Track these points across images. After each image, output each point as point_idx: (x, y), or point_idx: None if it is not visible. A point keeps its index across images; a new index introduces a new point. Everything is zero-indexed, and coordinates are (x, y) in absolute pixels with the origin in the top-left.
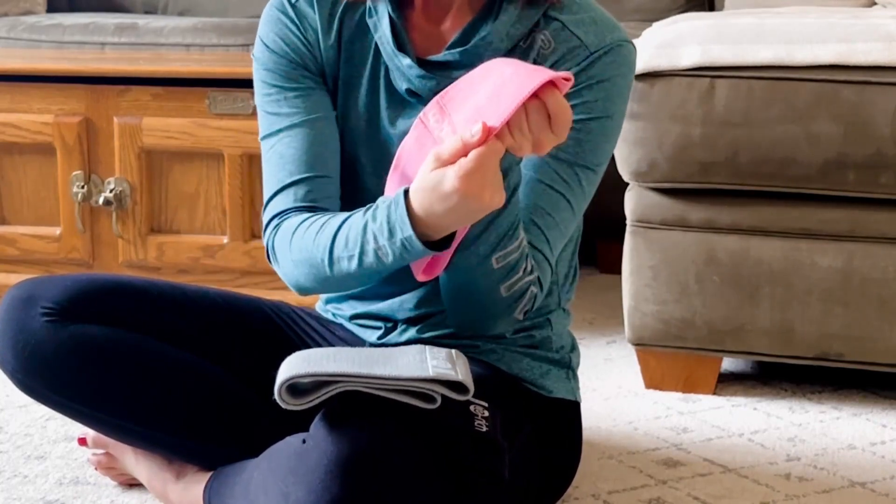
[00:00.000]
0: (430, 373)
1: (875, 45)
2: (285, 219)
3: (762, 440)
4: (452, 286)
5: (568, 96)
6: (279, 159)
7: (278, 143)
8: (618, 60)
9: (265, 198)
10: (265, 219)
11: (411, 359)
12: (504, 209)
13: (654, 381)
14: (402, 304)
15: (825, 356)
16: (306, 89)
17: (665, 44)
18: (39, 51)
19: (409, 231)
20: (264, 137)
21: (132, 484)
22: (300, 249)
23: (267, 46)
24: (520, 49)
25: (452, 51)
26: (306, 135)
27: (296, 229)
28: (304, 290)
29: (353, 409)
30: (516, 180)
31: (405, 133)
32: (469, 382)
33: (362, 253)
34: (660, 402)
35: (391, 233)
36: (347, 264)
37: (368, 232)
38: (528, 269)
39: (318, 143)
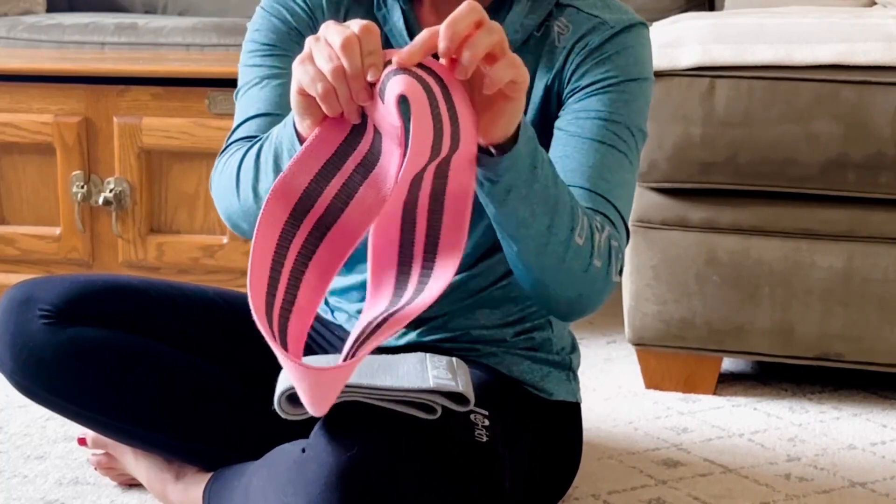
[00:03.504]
0: (431, 383)
1: (875, 45)
2: (235, 147)
3: (762, 440)
4: (551, 282)
5: (600, 63)
6: (250, 99)
7: (253, 87)
8: (640, 35)
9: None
10: (222, 148)
11: (411, 368)
12: (557, 186)
13: (654, 381)
14: None
15: (825, 356)
16: (296, 55)
17: (665, 44)
18: (39, 51)
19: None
20: (240, 89)
21: (132, 484)
22: (222, 174)
23: (267, 12)
24: (534, 39)
25: None
26: (283, 84)
27: (230, 156)
28: (230, 223)
29: (352, 419)
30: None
31: None
32: (470, 393)
33: (258, 156)
34: (660, 402)
35: (284, 125)
36: (252, 170)
37: (269, 139)
38: (599, 226)
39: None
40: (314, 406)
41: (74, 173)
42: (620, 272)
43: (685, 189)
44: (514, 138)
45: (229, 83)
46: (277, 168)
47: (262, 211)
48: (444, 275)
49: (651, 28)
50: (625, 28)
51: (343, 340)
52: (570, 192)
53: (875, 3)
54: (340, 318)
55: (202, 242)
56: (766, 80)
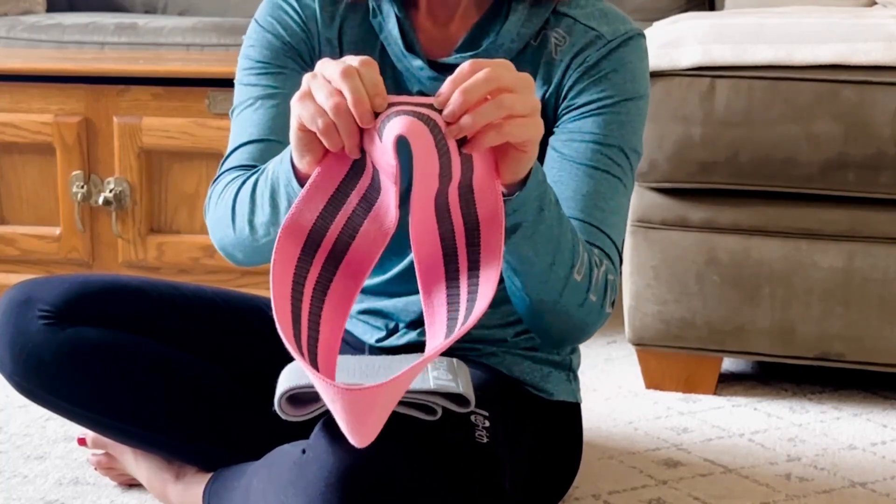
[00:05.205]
0: (432, 384)
1: (875, 45)
2: (229, 176)
3: (762, 440)
4: (547, 313)
5: (597, 82)
6: (243, 122)
7: (247, 108)
8: (637, 48)
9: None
10: (216, 176)
11: None
12: (562, 225)
13: (654, 381)
14: (407, 305)
15: (825, 356)
16: (290, 71)
17: (665, 44)
18: (39, 51)
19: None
20: (235, 108)
21: (132, 484)
22: (217, 205)
23: (261, 26)
24: (531, 48)
25: (463, 54)
26: (276, 105)
27: (226, 186)
28: (224, 252)
29: None
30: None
31: None
32: (470, 395)
33: (253, 190)
34: (660, 402)
35: (281, 160)
36: (248, 210)
37: (264, 173)
38: (598, 261)
39: (286, 115)
40: (355, 434)
41: (74, 173)
42: (613, 304)
43: (685, 189)
44: (524, 180)
45: (229, 83)
46: (274, 203)
47: (274, 250)
48: (486, 294)
49: (651, 28)
50: (622, 42)
51: (347, 343)
52: (573, 229)
53: (875, 3)
54: None
55: (202, 242)
56: (767, 80)
